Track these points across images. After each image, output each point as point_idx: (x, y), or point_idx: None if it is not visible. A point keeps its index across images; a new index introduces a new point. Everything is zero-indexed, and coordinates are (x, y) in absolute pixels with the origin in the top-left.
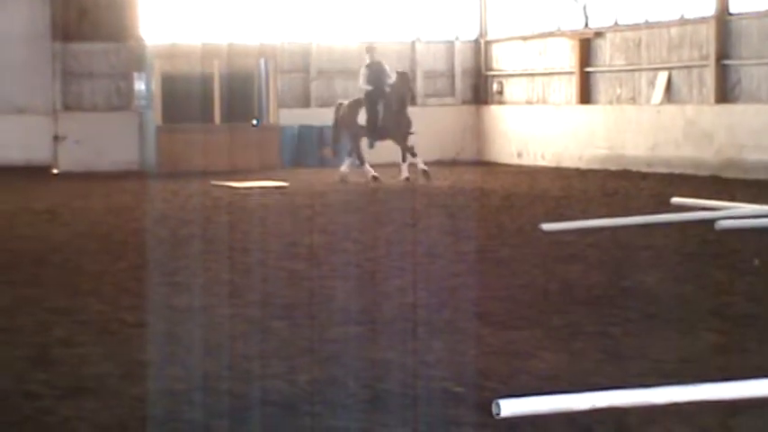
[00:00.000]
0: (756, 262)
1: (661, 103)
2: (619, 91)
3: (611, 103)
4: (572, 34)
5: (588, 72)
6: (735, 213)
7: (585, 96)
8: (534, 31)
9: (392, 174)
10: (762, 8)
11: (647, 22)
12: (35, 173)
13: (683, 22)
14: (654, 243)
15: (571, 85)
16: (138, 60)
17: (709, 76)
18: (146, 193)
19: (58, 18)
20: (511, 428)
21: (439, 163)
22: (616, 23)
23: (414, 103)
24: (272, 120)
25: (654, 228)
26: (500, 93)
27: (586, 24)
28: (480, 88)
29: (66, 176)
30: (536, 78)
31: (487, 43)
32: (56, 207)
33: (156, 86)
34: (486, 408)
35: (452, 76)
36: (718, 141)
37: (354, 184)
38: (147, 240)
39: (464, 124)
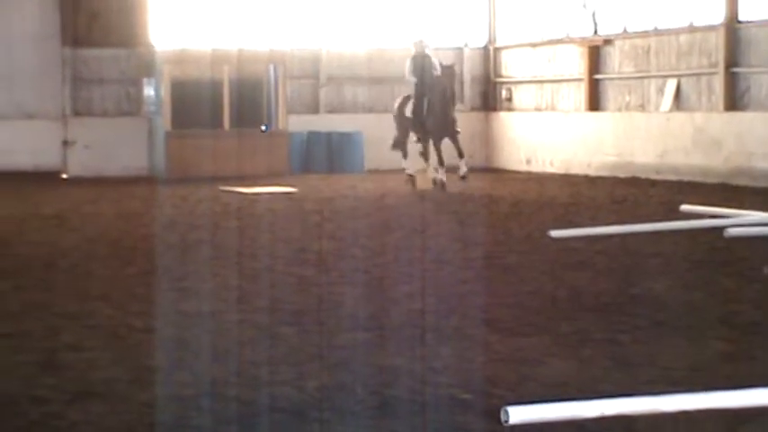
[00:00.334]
0: (765, 270)
1: (670, 111)
2: (628, 98)
3: (620, 110)
4: (581, 41)
5: (597, 79)
6: (744, 221)
7: (594, 103)
8: (543, 37)
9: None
10: None
11: (656, 29)
12: (44, 178)
13: (692, 29)
14: (663, 250)
15: (580, 92)
16: (147, 66)
17: (719, 83)
18: (155, 198)
19: (68, 23)
20: None
21: (447, 169)
22: (625, 31)
23: (454, 102)
24: (281, 126)
25: (663, 235)
26: (509, 99)
27: (595, 31)
28: (489, 95)
29: (75, 181)
30: (545, 85)
31: (496, 50)
32: (65, 212)
33: (165, 92)
34: (494, 415)
35: (461, 83)
36: (728, 149)
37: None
38: (156, 246)
39: (473, 131)
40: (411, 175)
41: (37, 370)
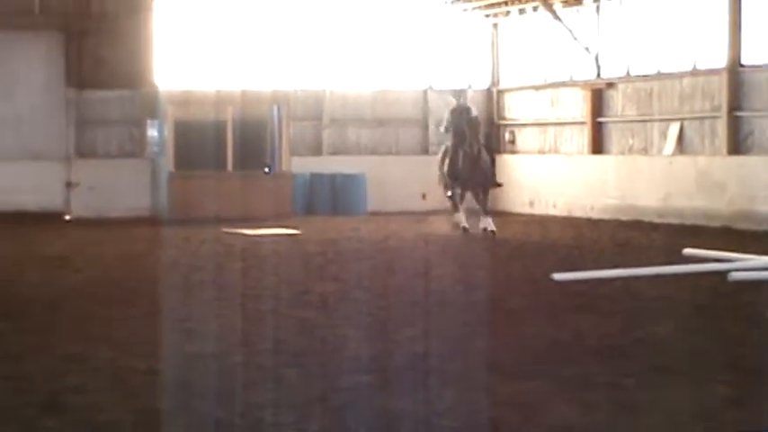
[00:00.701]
0: None
1: (673, 154)
2: (631, 141)
3: (623, 153)
4: (584, 84)
5: (600, 122)
6: (747, 265)
7: (597, 146)
8: (546, 80)
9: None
10: None
11: (658, 72)
12: (48, 219)
13: (694, 73)
14: (666, 294)
15: (583, 135)
16: (151, 107)
17: (722, 127)
18: (158, 239)
19: (73, 65)
20: None
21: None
22: (628, 74)
23: (490, 151)
24: (284, 167)
25: (666, 279)
26: (512, 142)
27: (598, 74)
28: (492, 137)
29: (78, 222)
30: (548, 128)
31: (500, 92)
32: (68, 253)
33: (168, 133)
34: None
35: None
36: (731, 193)
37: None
38: (159, 287)
39: None
40: (464, 227)
41: (39, 412)
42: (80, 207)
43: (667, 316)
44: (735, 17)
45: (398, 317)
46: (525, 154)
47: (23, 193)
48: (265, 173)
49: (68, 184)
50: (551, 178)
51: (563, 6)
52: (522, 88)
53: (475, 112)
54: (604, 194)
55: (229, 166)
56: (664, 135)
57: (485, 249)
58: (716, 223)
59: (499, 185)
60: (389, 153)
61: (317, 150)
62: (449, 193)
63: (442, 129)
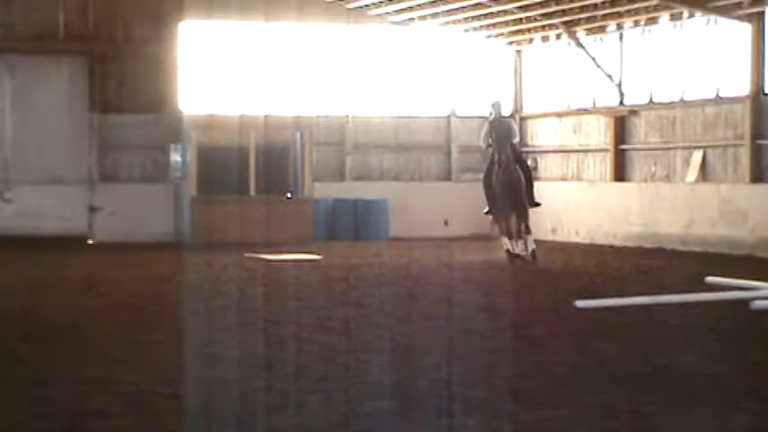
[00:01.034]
0: None
1: (696, 182)
2: (653, 169)
3: (645, 180)
4: (607, 111)
5: (623, 149)
6: None
7: (620, 173)
8: (569, 107)
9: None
10: None
11: (682, 100)
12: (71, 243)
13: (717, 101)
14: (688, 322)
15: (606, 162)
16: (174, 132)
17: (744, 155)
18: (181, 264)
19: (97, 90)
20: None
21: (473, 238)
22: (651, 101)
23: (525, 167)
24: (306, 193)
25: (688, 307)
26: (535, 169)
27: (621, 102)
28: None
29: (101, 247)
30: (571, 155)
31: (522, 119)
32: (91, 277)
33: (192, 158)
34: None
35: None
36: (754, 221)
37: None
38: (181, 311)
39: None
40: (514, 254)
41: None
42: (103, 231)
43: (690, 344)
44: (758, 45)
45: (421, 343)
46: (548, 181)
47: (46, 217)
48: (288, 198)
49: (91, 209)
50: (574, 205)
51: (586, 34)
52: (545, 115)
53: (514, 124)
54: (627, 222)
55: (252, 191)
56: (686, 162)
57: (507, 276)
58: (738, 251)
59: (537, 205)
60: (412, 179)
61: (339, 176)
62: (485, 210)
63: (482, 144)
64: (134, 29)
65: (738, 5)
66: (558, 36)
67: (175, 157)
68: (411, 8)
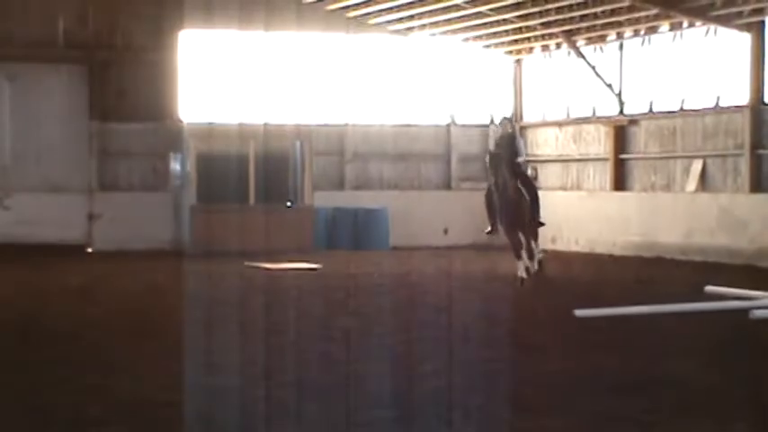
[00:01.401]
0: None
1: (695, 191)
2: (653, 178)
3: (645, 190)
4: (607, 121)
5: (623, 159)
6: None
7: (620, 183)
8: (569, 117)
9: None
10: None
11: (681, 109)
12: (70, 251)
13: (717, 110)
14: (687, 331)
15: (606, 172)
16: (174, 140)
17: (744, 164)
18: (180, 272)
19: (97, 98)
20: None
21: (473, 247)
22: (651, 111)
23: (527, 185)
24: (306, 201)
25: (687, 316)
26: (535, 178)
27: (621, 111)
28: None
29: (100, 255)
30: (571, 164)
31: (522, 128)
32: (90, 285)
33: (191, 166)
34: None
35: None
36: (753, 230)
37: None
38: (180, 320)
39: None
40: (522, 278)
41: None
42: (102, 239)
43: (689, 353)
44: (757, 55)
45: (420, 352)
46: (548, 190)
47: (45, 224)
48: (287, 207)
49: (90, 217)
50: (574, 214)
51: (586, 43)
52: (544, 124)
53: (520, 141)
54: (626, 231)
55: (251, 200)
56: (686, 172)
57: (506, 285)
58: (738, 261)
59: (540, 225)
60: (412, 188)
61: (339, 185)
62: (487, 230)
63: (486, 159)
64: (134, 37)
65: (738, 15)
66: (558, 45)
67: (175, 166)
68: (411, 17)
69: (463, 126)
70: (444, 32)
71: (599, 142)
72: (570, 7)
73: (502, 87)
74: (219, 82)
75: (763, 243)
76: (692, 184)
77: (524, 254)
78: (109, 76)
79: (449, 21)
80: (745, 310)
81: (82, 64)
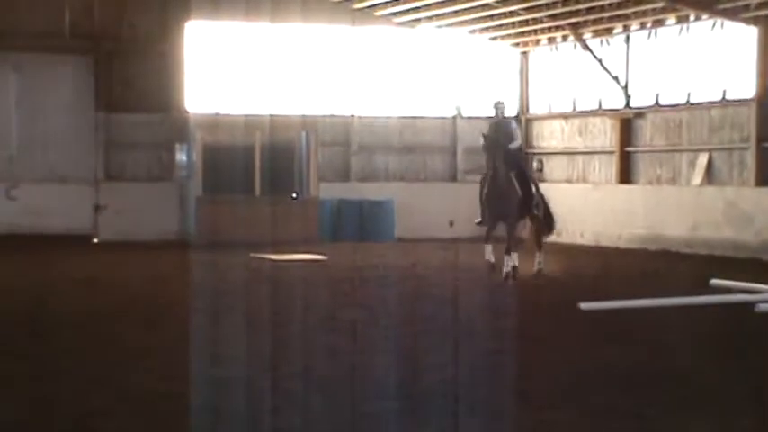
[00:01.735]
0: None
1: (701, 185)
2: (659, 171)
3: (651, 183)
4: (613, 114)
5: (628, 152)
6: None
7: (626, 176)
8: (575, 109)
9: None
10: None
11: (688, 103)
12: (76, 241)
13: (723, 104)
14: (692, 325)
15: (611, 165)
16: (180, 131)
17: (750, 158)
18: (185, 263)
19: (103, 89)
20: None
21: (478, 239)
22: (657, 104)
23: (521, 176)
24: (312, 193)
25: (692, 309)
26: (540, 170)
27: (627, 104)
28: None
29: (106, 246)
30: (576, 157)
31: (528, 120)
32: (96, 276)
33: (197, 157)
34: None
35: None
36: (759, 224)
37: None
38: (186, 311)
39: None
40: (489, 262)
41: None
42: (108, 230)
43: (693, 347)
44: (764, 48)
45: (425, 344)
46: (553, 182)
47: (51, 215)
48: (293, 198)
49: (96, 207)
50: (579, 207)
51: (593, 36)
52: (550, 117)
53: (515, 127)
54: (632, 224)
55: (257, 192)
56: (692, 165)
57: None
58: (743, 254)
59: (534, 216)
60: (417, 180)
61: (345, 176)
62: (477, 220)
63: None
64: (140, 28)
65: (745, 8)
66: (565, 38)
67: (181, 157)
68: (417, 9)
69: (469, 118)
70: (451, 24)
71: (605, 135)
72: (577, 0)
73: (508, 80)
74: (225, 73)
75: None
76: (697, 177)
77: (506, 248)
78: (115, 66)
79: (455, 12)
80: (751, 304)
81: (88, 55)
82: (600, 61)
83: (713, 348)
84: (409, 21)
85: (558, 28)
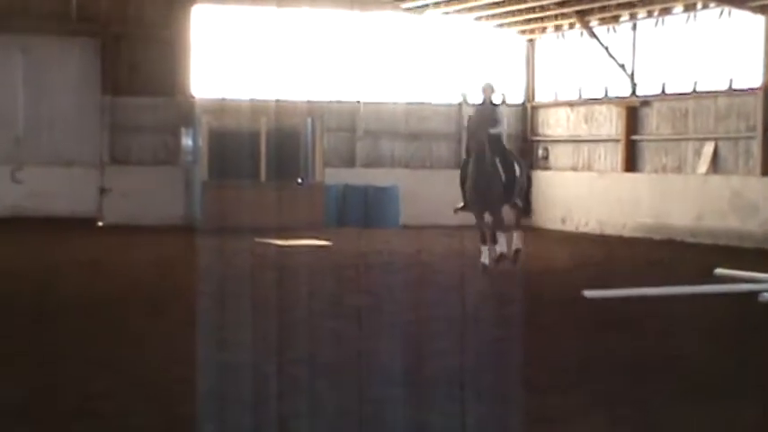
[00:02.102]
0: None
1: (707, 174)
2: (664, 160)
3: (656, 171)
4: (619, 102)
5: (634, 140)
6: None
7: (631, 164)
8: (581, 97)
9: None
10: None
11: (694, 91)
12: (80, 224)
13: (730, 93)
14: (696, 313)
15: (617, 153)
16: (186, 115)
17: (756, 147)
18: (190, 247)
19: (109, 72)
20: None
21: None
22: (663, 92)
23: (507, 164)
24: (317, 178)
25: (697, 298)
26: (545, 158)
27: (633, 92)
28: (526, 153)
29: (111, 229)
30: (582, 145)
31: (534, 108)
32: (100, 259)
33: (203, 142)
34: None
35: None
36: (765, 213)
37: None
38: (191, 295)
39: None
40: (483, 264)
41: (70, 417)
42: (113, 213)
43: (698, 335)
44: None
45: (430, 330)
46: (558, 171)
47: (56, 198)
48: (298, 183)
49: (101, 191)
50: (584, 195)
51: (599, 24)
52: (556, 104)
53: (500, 112)
54: (637, 213)
55: (262, 177)
56: (698, 154)
57: (516, 265)
58: (749, 244)
59: (514, 205)
60: (423, 167)
61: (350, 162)
62: (458, 206)
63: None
64: (146, 12)
65: None
66: (571, 25)
67: (186, 141)
68: None
69: (475, 105)
70: (457, 11)
71: (610, 123)
72: None
73: (514, 67)
74: (232, 58)
75: None
76: (703, 166)
77: (490, 238)
78: (121, 49)
79: None
80: (755, 293)
81: (95, 37)
82: (606, 49)
83: (718, 337)
84: (416, 7)
85: (564, 15)
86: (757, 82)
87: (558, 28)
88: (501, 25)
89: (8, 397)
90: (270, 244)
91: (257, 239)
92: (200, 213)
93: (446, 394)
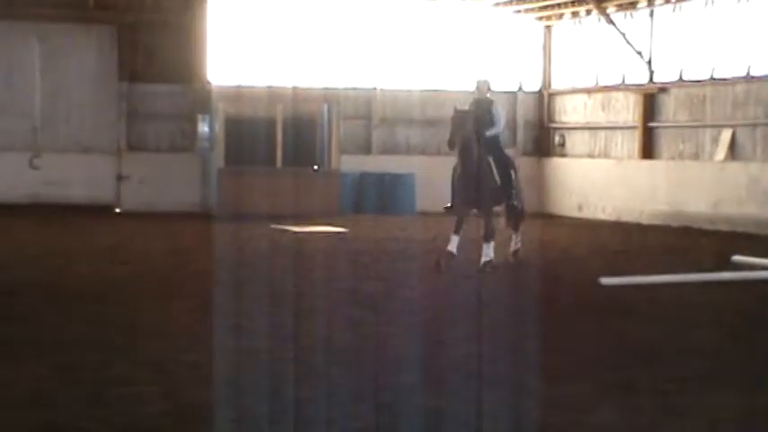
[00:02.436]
0: None
1: (724, 161)
2: (682, 147)
3: (673, 158)
4: (636, 89)
5: (651, 127)
6: None
7: (648, 151)
8: (598, 84)
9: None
10: None
11: (712, 78)
12: (98, 211)
13: (748, 79)
14: (713, 301)
15: (634, 140)
16: (202, 103)
17: None
18: (207, 234)
19: (126, 60)
20: None
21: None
22: (681, 79)
23: (500, 162)
24: (333, 165)
25: (714, 285)
26: (562, 145)
27: (651, 79)
28: (542, 140)
29: (128, 215)
30: (598, 132)
31: (551, 95)
32: (118, 246)
33: (219, 129)
34: None
35: (514, 128)
36: None
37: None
38: (207, 282)
39: (525, 176)
40: (451, 253)
41: (86, 403)
42: (130, 200)
43: (714, 323)
44: None
45: (445, 317)
46: (575, 157)
47: (74, 185)
48: (314, 170)
49: (119, 177)
50: (601, 182)
51: (616, 10)
52: (573, 91)
53: (496, 109)
54: (654, 200)
55: (279, 164)
56: (715, 141)
57: (533, 252)
58: (766, 231)
59: (511, 206)
60: (438, 154)
61: (366, 149)
62: (446, 205)
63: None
64: None
65: None
66: (588, 12)
67: (203, 128)
68: None
69: (492, 93)
70: None
71: (628, 110)
72: None
73: (531, 54)
74: (248, 44)
75: None
76: (720, 153)
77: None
78: (138, 37)
79: None
80: None
81: (111, 25)
82: (623, 35)
83: (734, 325)
84: None
85: (581, 2)
86: None
87: (575, 14)
88: (518, 11)
89: (25, 381)
90: (286, 231)
91: (273, 226)
92: (217, 200)
93: (461, 381)
